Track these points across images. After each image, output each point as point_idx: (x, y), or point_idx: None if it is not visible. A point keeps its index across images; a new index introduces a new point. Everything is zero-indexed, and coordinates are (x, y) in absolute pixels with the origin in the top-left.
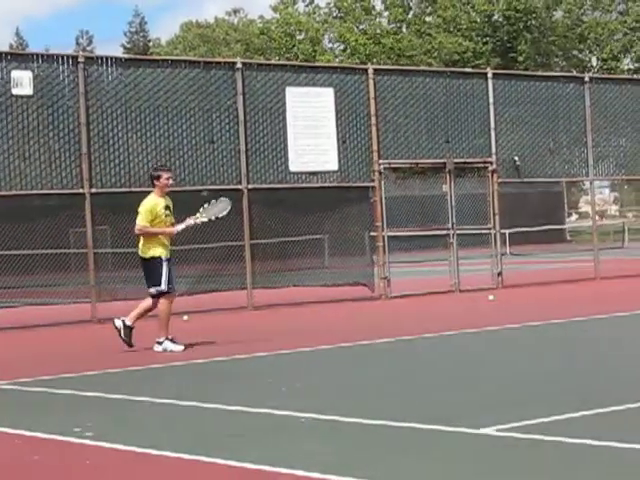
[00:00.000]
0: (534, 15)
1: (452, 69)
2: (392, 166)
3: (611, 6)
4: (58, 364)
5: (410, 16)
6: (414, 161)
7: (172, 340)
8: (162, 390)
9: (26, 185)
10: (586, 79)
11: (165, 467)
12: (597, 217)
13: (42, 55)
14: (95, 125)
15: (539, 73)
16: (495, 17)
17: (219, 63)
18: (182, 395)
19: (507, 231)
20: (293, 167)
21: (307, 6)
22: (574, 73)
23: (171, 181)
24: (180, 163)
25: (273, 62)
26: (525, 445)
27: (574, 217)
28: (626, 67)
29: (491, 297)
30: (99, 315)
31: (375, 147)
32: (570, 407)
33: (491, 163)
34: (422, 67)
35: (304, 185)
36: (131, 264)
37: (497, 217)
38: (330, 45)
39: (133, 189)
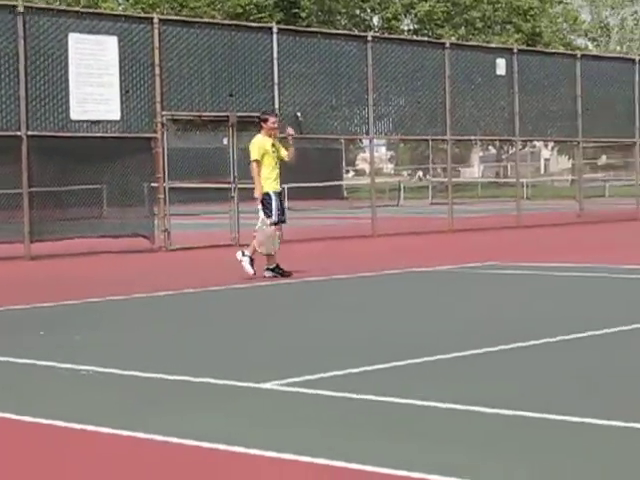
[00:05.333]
0: None
1: (237, 22)
2: (175, 118)
3: None
4: None
5: None
6: (198, 113)
7: (252, 261)
8: None
9: None
10: (369, 38)
11: None
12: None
13: None
14: None
15: (324, 30)
16: None
17: (0, 6)
18: None
19: (285, 186)
20: (74, 115)
21: None
22: (356, 32)
23: (276, 125)
24: None
25: (56, 7)
26: (307, 400)
27: (351, 174)
28: (406, 27)
29: None
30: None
31: (158, 98)
32: (354, 363)
33: None
34: (207, 19)
35: (85, 134)
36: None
37: None
38: None
39: None
